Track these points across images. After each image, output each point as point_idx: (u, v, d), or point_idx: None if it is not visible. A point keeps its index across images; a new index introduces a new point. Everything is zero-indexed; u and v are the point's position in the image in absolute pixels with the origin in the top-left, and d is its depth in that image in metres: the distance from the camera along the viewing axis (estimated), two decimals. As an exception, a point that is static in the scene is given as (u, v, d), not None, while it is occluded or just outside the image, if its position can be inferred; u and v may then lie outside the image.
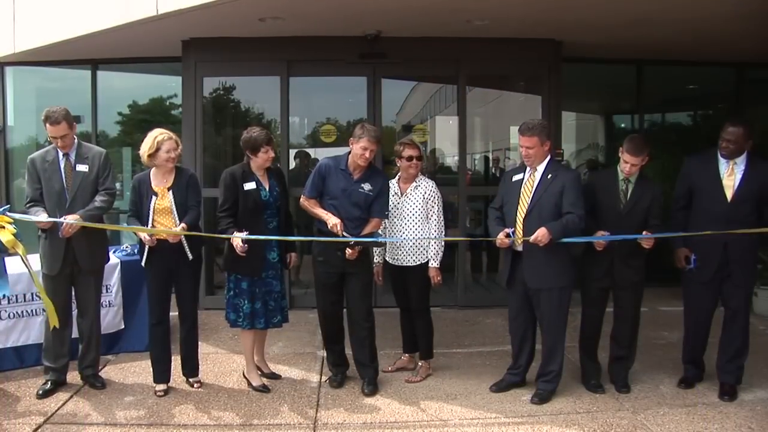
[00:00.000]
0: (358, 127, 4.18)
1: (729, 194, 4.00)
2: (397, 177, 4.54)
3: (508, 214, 4.07)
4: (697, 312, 4.21)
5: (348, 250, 4.06)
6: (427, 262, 4.40)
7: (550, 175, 3.99)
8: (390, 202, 4.38)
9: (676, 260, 4.21)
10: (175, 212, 4.11)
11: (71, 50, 6.53)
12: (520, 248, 4.02)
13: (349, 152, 4.20)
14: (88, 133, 7.46)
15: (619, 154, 4.10)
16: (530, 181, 4.04)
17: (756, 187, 3.98)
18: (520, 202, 4.02)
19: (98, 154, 4.27)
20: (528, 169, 4.07)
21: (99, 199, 4.18)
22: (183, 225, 4.07)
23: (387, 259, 4.55)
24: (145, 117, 8.16)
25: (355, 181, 4.18)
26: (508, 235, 3.96)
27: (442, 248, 4.42)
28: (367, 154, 4.10)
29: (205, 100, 6.59)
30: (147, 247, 4.08)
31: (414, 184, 4.44)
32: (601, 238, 3.98)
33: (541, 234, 3.83)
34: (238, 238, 3.99)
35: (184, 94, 6.48)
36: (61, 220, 4.03)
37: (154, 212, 4.08)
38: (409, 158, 4.39)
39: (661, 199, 4.13)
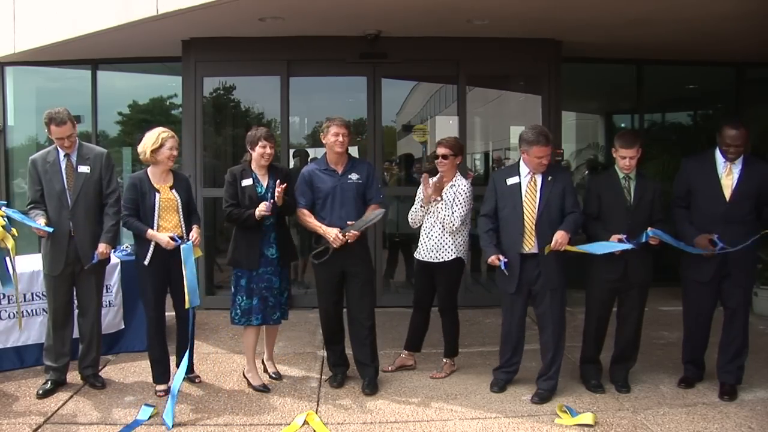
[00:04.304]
0: (324, 123, 4.27)
1: (728, 194, 4.02)
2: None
3: (510, 219, 4.09)
4: (697, 312, 4.22)
5: (349, 234, 4.12)
6: (454, 260, 4.41)
7: (550, 177, 4.06)
8: (433, 204, 4.40)
9: (701, 246, 4.05)
10: (181, 209, 4.16)
11: (71, 50, 6.53)
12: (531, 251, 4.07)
13: (325, 153, 4.30)
14: (88, 133, 7.46)
15: (614, 154, 4.16)
16: (532, 184, 4.07)
17: (754, 185, 4.01)
18: (526, 207, 4.05)
19: (100, 155, 4.28)
20: (526, 173, 4.10)
21: (112, 212, 4.21)
22: (196, 228, 4.18)
23: (414, 255, 4.60)
24: (145, 117, 8.16)
25: (341, 174, 4.24)
26: (499, 258, 4.08)
27: (466, 242, 4.45)
28: (341, 138, 4.16)
29: (205, 100, 6.59)
30: (152, 247, 4.08)
31: (450, 183, 4.45)
32: (622, 246, 3.97)
33: (562, 238, 3.94)
34: (261, 211, 4.08)
35: (184, 94, 6.49)
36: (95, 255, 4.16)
37: (159, 208, 4.10)
38: (435, 157, 4.49)
39: (661, 192, 4.20)
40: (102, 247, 4.19)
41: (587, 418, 3.75)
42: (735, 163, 4.04)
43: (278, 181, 4.14)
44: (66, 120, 4.07)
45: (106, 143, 7.86)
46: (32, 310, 4.69)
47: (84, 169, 4.19)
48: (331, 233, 4.12)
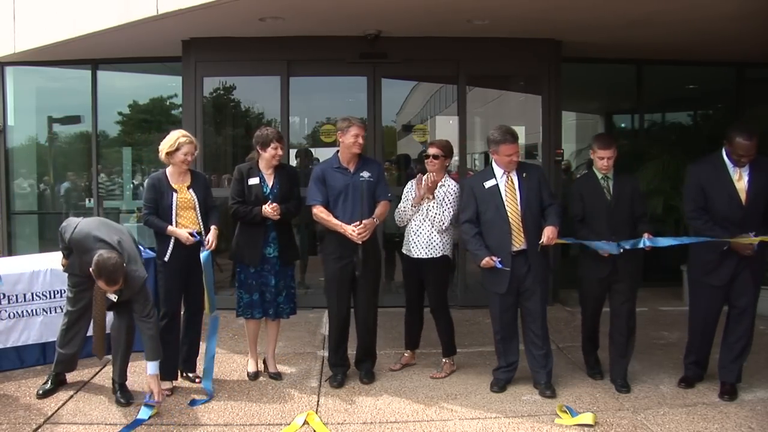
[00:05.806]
0: (341, 121, 4.31)
1: (743, 198, 4.02)
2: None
3: (495, 221, 4.14)
4: (706, 314, 4.21)
5: (367, 221, 4.20)
6: (441, 257, 4.44)
7: (524, 174, 4.19)
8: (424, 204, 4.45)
9: (743, 250, 4.00)
10: (198, 208, 4.20)
11: (71, 50, 6.54)
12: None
13: (337, 151, 4.34)
14: (88, 133, 7.47)
15: (592, 155, 4.28)
16: (510, 184, 4.16)
17: (763, 183, 4.02)
18: (509, 207, 4.13)
19: (134, 285, 3.84)
20: (500, 173, 4.17)
21: (146, 328, 3.91)
22: (214, 230, 4.20)
23: (402, 251, 4.62)
24: (145, 117, 8.17)
25: (354, 173, 4.28)
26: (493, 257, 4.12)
27: (451, 242, 4.49)
28: (360, 140, 4.23)
29: (205, 100, 6.59)
30: (172, 244, 4.13)
31: (440, 183, 4.47)
32: (612, 248, 4.06)
33: (552, 233, 4.05)
34: (271, 211, 4.20)
35: (184, 94, 6.49)
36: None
37: (177, 207, 4.15)
38: (426, 156, 4.53)
39: (639, 186, 4.35)
40: (153, 373, 3.87)
41: (587, 418, 3.75)
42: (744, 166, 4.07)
43: (274, 204, 4.23)
44: (119, 279, 3.68)
45: (106, 143, 7.88)
46: (32, 310, 4.69)
47: (112, 297, 3.89)
48: (349, 229, 4.16)
